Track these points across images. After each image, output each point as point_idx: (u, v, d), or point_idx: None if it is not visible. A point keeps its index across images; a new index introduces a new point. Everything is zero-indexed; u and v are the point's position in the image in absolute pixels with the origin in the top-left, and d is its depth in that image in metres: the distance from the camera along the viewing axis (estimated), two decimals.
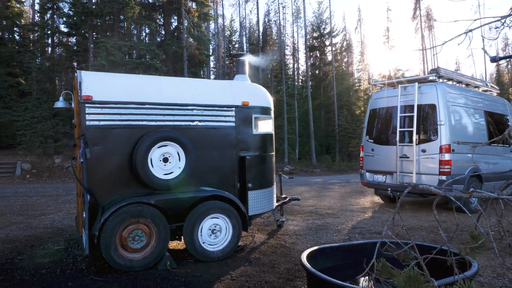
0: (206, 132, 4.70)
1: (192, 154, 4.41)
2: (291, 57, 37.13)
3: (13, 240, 5.27)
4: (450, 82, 7.58)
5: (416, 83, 7.25)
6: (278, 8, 34.96)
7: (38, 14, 23.37)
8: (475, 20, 1.73)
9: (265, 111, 5.25)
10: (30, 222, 6.47)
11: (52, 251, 4.73)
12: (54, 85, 19.90)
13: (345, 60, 40.94)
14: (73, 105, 4.99)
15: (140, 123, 4.29)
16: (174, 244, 5.10)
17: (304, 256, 2.75)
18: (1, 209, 7.75)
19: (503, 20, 1.74)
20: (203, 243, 4.41)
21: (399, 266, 1.56)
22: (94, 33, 19.88)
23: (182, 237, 4.41)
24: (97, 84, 4.14)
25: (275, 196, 5.57)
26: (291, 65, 37.00)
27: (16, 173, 14.78)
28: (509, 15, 1.72)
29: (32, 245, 5.01)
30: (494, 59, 2.35)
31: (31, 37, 22.08)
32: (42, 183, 13.76)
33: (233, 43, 39.22)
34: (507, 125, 8.55)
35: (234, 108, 4.89)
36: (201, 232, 4.40)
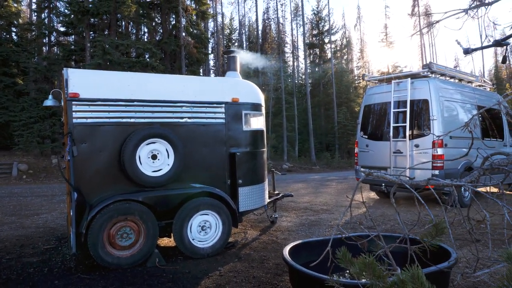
0: (196, 129, 4.68)
1: (181, 151, 4.39)
2: (290, 55, 37.08)
3: (3, 240, 5.26)
4: (443, 78, 7.55)
5: (409, 78, 7.22)
6: (276, 5, 34.91)
7: (35, 14, 23.35)
8: (445, 12, 1.72)
9: (255, 107, 5.23)
10: (22, 222, 6.46)
11: (42, 250, 4.72)
12: (51, 85, 19.86)
13: (345, 57, 40.89)
14: (62, 103, 4.98)
15: (129, 120, 4.28)
16: (165, 242, 5.10)
17: (286, 250, 2.74)
18: None
19: (469, 12, 1.74)
20: (193, 239, 4.39)
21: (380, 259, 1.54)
22: (91, 32, 19.86)
23: (171, 234, 4.40)
24: (84, 82, 4.12)
25: (267, 192, 5.55)
26: (290, 63, 36.95)
27: (12, 173, 14.78)
28: (471, 8, 1.71)
29: (22, 244, 5.00)
30: (466, 51, 2.34)
31: (28, 36, 22.04)
32: (39, 184, 13.77)
33: (233, 41, 39.18)
34: (501, 120, 8.50)
35: (224, 105, 4.87)
36: (190, 228, 4.38)
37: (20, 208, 7.98)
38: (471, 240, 1.51)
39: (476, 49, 2.38)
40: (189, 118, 4.63)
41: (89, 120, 4.09)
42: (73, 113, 4.00)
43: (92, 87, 4.14)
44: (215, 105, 4.81)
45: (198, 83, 4.99)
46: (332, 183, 13.28)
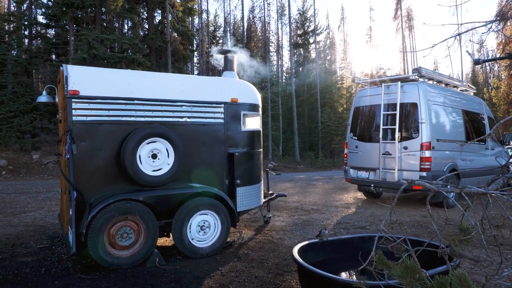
0: (195, 129, 4.69)
1: (181, 150, 4.39)
2: (275, 54, 37.24)
3: None
4: (430, 82, 7.81)
5: (399, 82, 7.43)
6: (263, 4, 34.99)
7: (14, 4, 22.53)
8: (461, 24, 1.81)
9: (253, 108, 5.27)
10: (9, 220, 6.28)
11: (35, 249, 4.62)
12: (31, 78, 19.25)
13: (328, 58, 41.38)
14: (57, 99, 4.88)
15: (129, 119, 4.24)
16: (162, 241, 5.08)
17: (295, 251, 2.81)
18: None
19: (488, 26, 1.83)
20: (192, 239, 4.41)
21: (392, 259, 1.63)
22: (74, 26, 19.33)
23: (170, 234, 4.40)
24: (84, 79, 4.06)
25: (262, 192, 5.62)
26: (275, 62, 37.13)
27: None
28: (494, 21, 1.81)
29: (14, 244, 4.87)
30: (477, 62, 2.47)
31: (7, 28, 21.26)
32: (20, 180, 13.36)
33: (217, 38, 38.98)
34: (483, 123, 8.87)
35: (223, 105, 4.90)
36: (190, 228, 4.39)
37: (5, 205, 7.74)
38: (495, 244, 1.61)
39: (487, 60, 2.50)
40: (188, 117, 4.63)
41: (89, 118, 4.03)
42: (73, 110, 3.94)
43: (92, 84, 4.08)
44: (214, 105, 4.83)
45: (198, 83, 5.00)
46: (318, 183, 13.47)
